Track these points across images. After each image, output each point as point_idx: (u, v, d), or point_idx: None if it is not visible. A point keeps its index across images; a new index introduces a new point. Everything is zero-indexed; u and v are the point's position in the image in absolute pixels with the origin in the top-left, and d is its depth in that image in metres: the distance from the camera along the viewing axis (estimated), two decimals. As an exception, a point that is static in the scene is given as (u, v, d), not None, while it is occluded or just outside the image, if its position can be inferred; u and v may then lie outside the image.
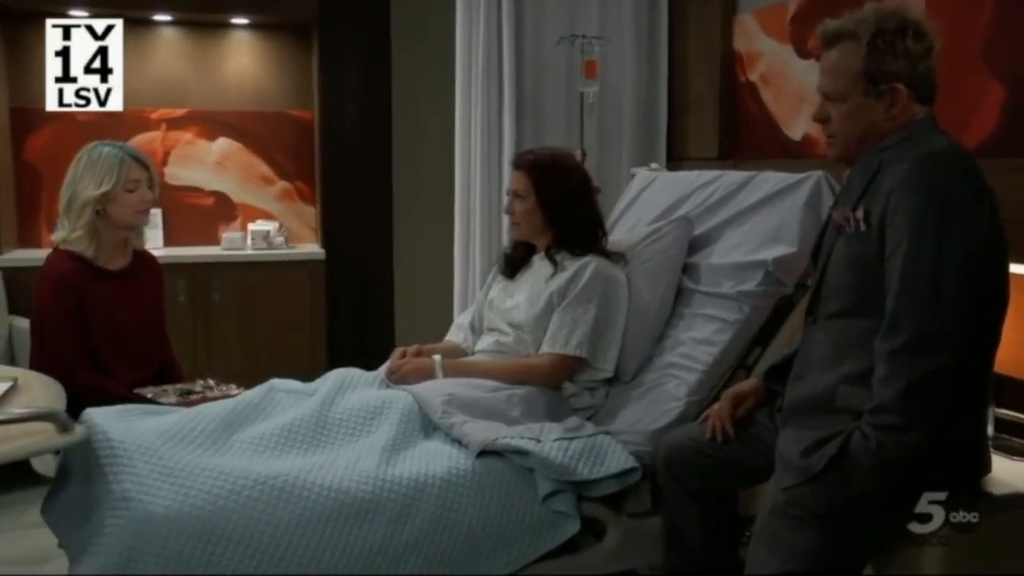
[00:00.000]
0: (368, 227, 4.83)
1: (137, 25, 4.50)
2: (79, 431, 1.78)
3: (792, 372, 1.97)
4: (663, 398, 2.35)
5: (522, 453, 2.14)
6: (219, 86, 4.66)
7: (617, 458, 2.24)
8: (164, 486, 1.88)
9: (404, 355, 2.55)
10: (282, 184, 4.80)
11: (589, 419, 2.47)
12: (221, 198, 4.72)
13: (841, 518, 1.76)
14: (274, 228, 4.58)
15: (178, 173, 4.65)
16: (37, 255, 4.17)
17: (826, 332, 1.89)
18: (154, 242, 4.53)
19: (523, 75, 4.07)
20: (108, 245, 2.69)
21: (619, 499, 2.28)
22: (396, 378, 2.46)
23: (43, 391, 2.07)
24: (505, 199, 2.77)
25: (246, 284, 4.39)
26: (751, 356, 2.42)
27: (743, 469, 2.10)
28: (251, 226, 4.62)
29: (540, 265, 2.61)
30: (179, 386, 2.56)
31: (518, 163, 2.61)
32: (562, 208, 2.57)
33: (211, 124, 4.67)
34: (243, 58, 4.69)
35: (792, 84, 3.57)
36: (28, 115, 4.43)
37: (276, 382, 2.51)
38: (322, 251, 4.53)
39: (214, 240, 4.61)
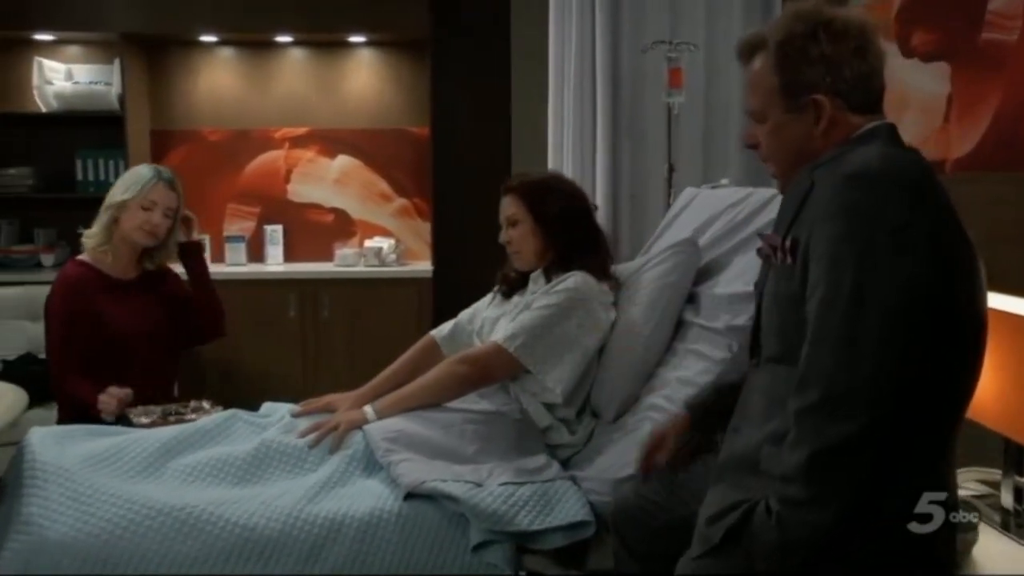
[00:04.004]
0: (481, 245, 4.76)
1: (261, 47, 4.74)
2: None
3: (731, 422, 1.72)
4: (635, 445, 2.13)
5: (453, 499, 2.00)
6: (339, 104, 4.81)
7: (568, 509, 2.05)
8: (67, 511, 1.92)
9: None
10: (400, 201, 4.86)
11: (568, 459, 2.29)
12: (340, 215, 4.86)
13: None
14: (388, 245, 4.64)
15: (299, 191, 4.84)
16: (174, 269, 4.45)
17: (764, 379, 1.64)
18: (275, 258, 4.72)
19: (619, 86, 3.88)
20: (120, 256, 2.83)
21: (581, 553, 2.09)
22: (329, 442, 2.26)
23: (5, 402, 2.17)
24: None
25: (355, 300, 4.47)
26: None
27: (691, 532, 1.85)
28: (367, 243, 4.70)
29: (534, 285, 2.48)
30: (169, 406, 2.60)
31: (507, 188, 2.51)
32: (559, 223, 2.45)
33: (331, 142, 4.82)
34: (362, 76, 4.80)
35: (895, 87, 3.16)
36: (165, 136, 4.75)
37: (268, 405, 2.52)
38: (430, 269, 4.53)
39: (332, 256, 4.71)
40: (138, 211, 2.80)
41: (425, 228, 4.80)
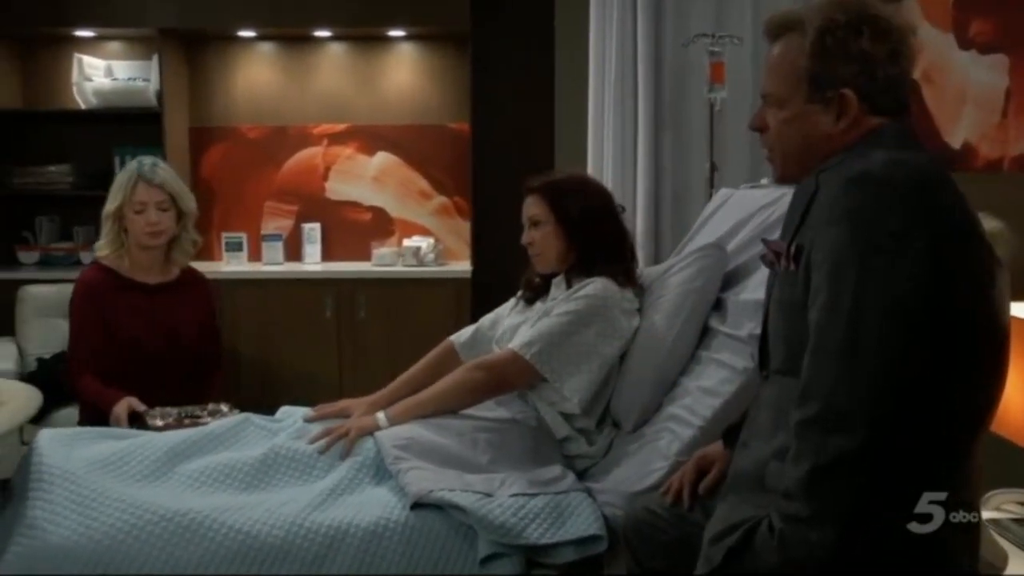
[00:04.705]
0: (522, 245, 4.74)
1: (299, 42, 4.78)
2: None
3: (740, 436, 1.70)
4: (652, 456, 2.12)
5: (461, 509, 2.00)
6: (378, 100, 4.82)
7: (581, 522, 2.03)
8: (70, 515, 1.95)
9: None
10: (440, 199, 4.86)
11: (586, 470, 2.27)
12: (379, 213, 4.87)
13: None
14: (427, 244, 4.64)
15: (337, 188, 4.86)
16: (212, 268, 4.54)
17: (772, 392, 1.61)
18: (312, 257, 4.76)
19: (661, 81, 3.84)
20: (139, 259, 2.86)
21: (594, 568, 2.06)
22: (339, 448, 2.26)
23: (16, 403, 2.22)
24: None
25: (392, 301, 4.47)
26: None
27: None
28: (405, 242, 4.71)
29: (555, 291, 2.45)
30: (186, 408, 2.63)
31: (531, 187, 2.48)
32: (583, 225, 2.41)
33: (370, 139, 4.83)
34: (402, 71, 4.82)
35: (953, 80, 3.10)
36: (204, 133, 4.83)
37: (285, 409, 2.54)
38: (469, 269, 4.52)
39: (370, 256, 4.72)
40: (134, 217, 2.84)
41: (465, 227, 4.78)
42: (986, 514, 1.85)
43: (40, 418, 3.38)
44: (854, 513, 1.35)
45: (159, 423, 2.52)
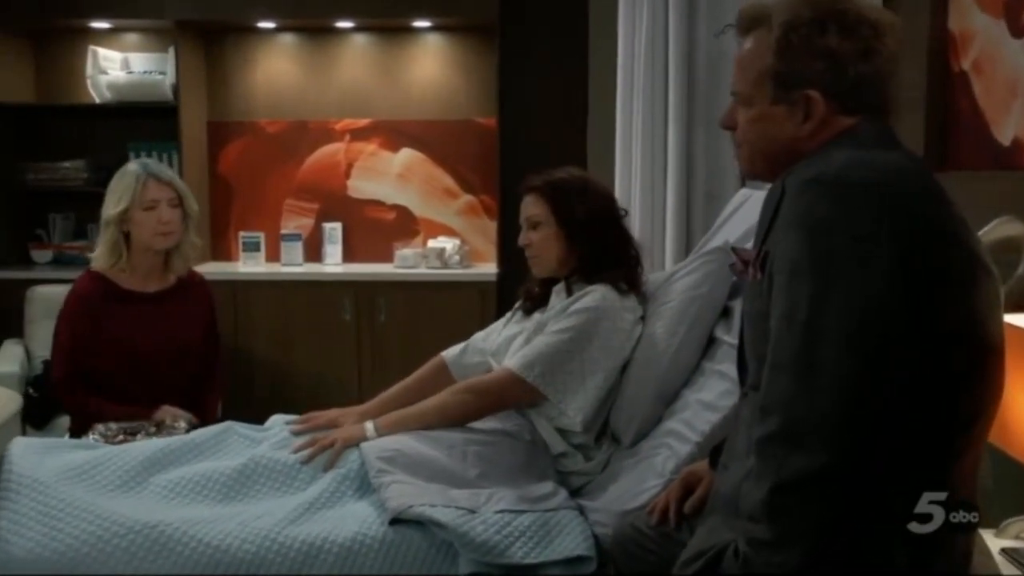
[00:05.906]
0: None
1: (321, 33, 4.81)
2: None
3: (720, 458, 1.68)
4: (648, 473, 2.10)
5: (441, 526, 1.99)
6: (402, 94, 4.83)
7: (569, 541, 2.01)
8: (36, 526, 1.98)
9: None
10: (466, 198, 4.86)
11: (581, 487, 2.25)
12: (403, 212, 4.88)
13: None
14: (452, 245, 4.65)
15: (360, 186, 4.88)
16: (228, 268, 4.60)
17: (747, 409, 1.59)
18: (333, 258, 4.78)
19: (693, 72, 3.78)
20: (139, 267, 2.89)
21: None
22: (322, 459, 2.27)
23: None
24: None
25: (414, 304, 4.48)
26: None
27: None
28: (430, 242, 4.72)
29: (555, 300, 2.43)
30: (130, 424, 2.63)
31: (531, 187, 2.46)
32: (585, 228, 2.39)
33: (394, 134, 4.84)
34: (427, 64, 4.82)
35: (1004, 71, 3.01)
36: (222, 128, 4.88)
37: (275, 418, 2.56)
38: (495, 271, 4.51)
39: (392, 257, 4.74)
40: (144, 216, 2.85)
41: (492, 227, 4.76)
42: (1003, 542, 1.80)
43: (43, 424, 3.46)
44: (819, 534, 1.31)
45: (95, 439, 2.52)
